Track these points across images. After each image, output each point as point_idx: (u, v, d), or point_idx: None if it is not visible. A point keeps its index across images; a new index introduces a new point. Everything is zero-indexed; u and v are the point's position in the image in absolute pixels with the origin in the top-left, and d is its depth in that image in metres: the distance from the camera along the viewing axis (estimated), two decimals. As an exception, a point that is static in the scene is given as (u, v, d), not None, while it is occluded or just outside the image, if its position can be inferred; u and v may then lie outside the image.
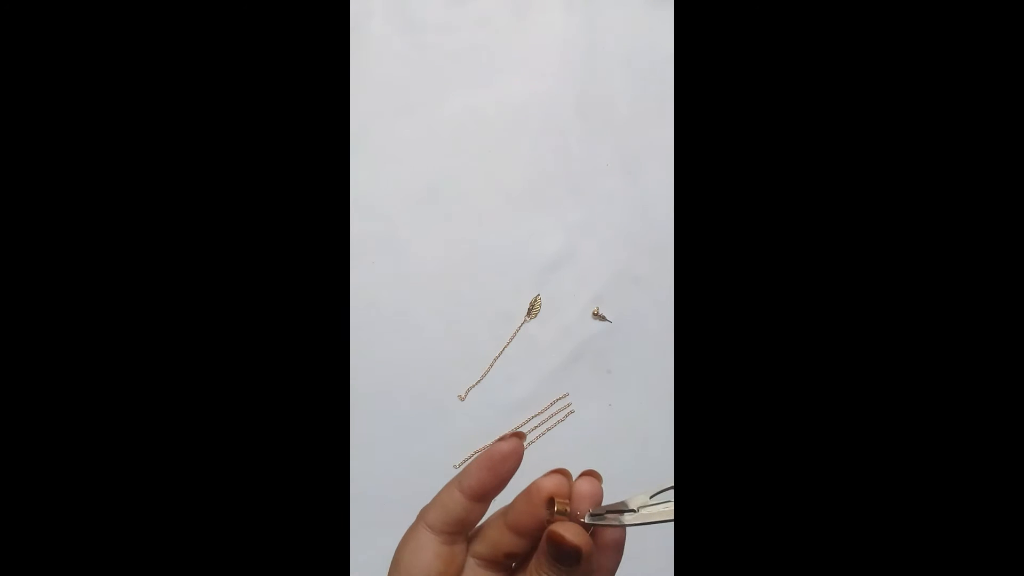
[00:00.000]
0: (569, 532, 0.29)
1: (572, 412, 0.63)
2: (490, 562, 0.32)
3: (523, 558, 0.32)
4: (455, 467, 0.62)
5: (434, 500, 0.32)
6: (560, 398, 0.64)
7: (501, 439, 0.31)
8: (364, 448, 0.60)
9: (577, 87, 0.72)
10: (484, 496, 0.31)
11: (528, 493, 0.31)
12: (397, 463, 0.61)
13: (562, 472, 0.32)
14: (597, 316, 0.65)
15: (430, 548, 0.31)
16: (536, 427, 0.64)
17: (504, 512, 0.32)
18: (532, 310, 0.66)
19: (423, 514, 0.32)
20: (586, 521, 0.31)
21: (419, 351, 0.64)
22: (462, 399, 0.64)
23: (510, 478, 0.31)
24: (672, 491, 0.32)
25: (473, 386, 0.64)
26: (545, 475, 0.31)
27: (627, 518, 0.32)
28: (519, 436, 0.32)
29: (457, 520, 0.31)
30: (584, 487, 0.31)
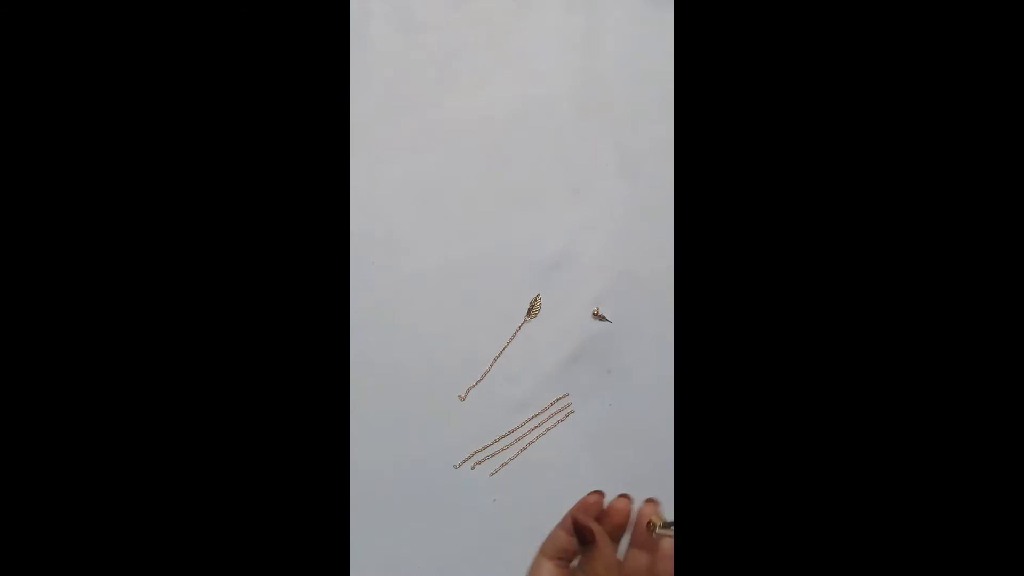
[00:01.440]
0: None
1: (572, 412, 0.63)
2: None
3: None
4: (455, 467, 0.62)
5: (549, 536, 0.50)
6: (560, 398, 0.64)
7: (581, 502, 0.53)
8: (364, 448, 0.60)
9: (577, 87, 0.72)
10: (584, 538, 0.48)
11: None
12: (397, 463, 0.61)
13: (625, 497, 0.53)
14: (597, 316, 0.65)
15: (545, 569, 0.48)
16: (536, 427, 0.64)
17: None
18: (532, 310, 0.66)
19: (541, 549, 0.50)
20: (659, 531, 0.45)
21: (419, 351, 0.64)
22: (462, 399, 0.64)
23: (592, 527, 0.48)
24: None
25: (473, 386, 0.64)
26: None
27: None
28: (599, 495, 0.54)
29: (564, 549, 0.48)
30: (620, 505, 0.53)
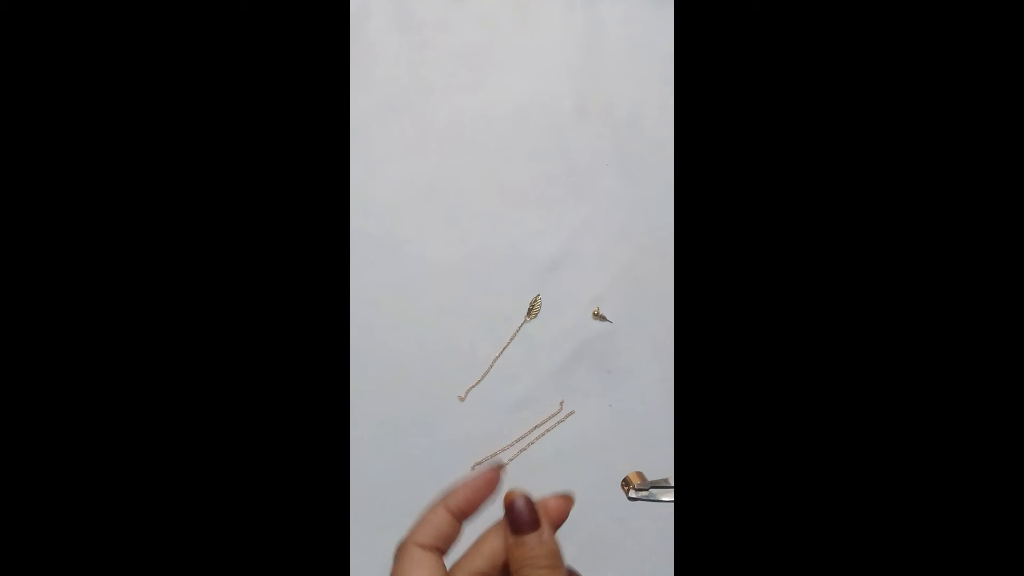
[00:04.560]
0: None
1: (572, 412, 0.63)
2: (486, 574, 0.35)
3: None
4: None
5: (422, 521, 0.35)
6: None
7: (483, 467, 0.35)
8: (364, 448, 0.60)
9: (577, 87, 0.72)
10: (465, 515, 0.35)
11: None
12: (397, 464, 0.61)
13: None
14: (597, 316, 0.65)
15: (425, 563, 0.34)
16: (536, 427, 0.64)
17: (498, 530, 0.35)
18: (532, 310, 0.66)
19: (412, 536, 0.35)
20: (631, 496, 0.38)
21: (419, 351, 0.64)
22: (462, 399, 0.64)
23: (488, 500, 0.36)
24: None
25: (473, 386, 0.64)
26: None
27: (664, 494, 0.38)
28: (499, 467, 0.36)
29: (444, 536, 0.35)
30: (551, 504, 0.35)
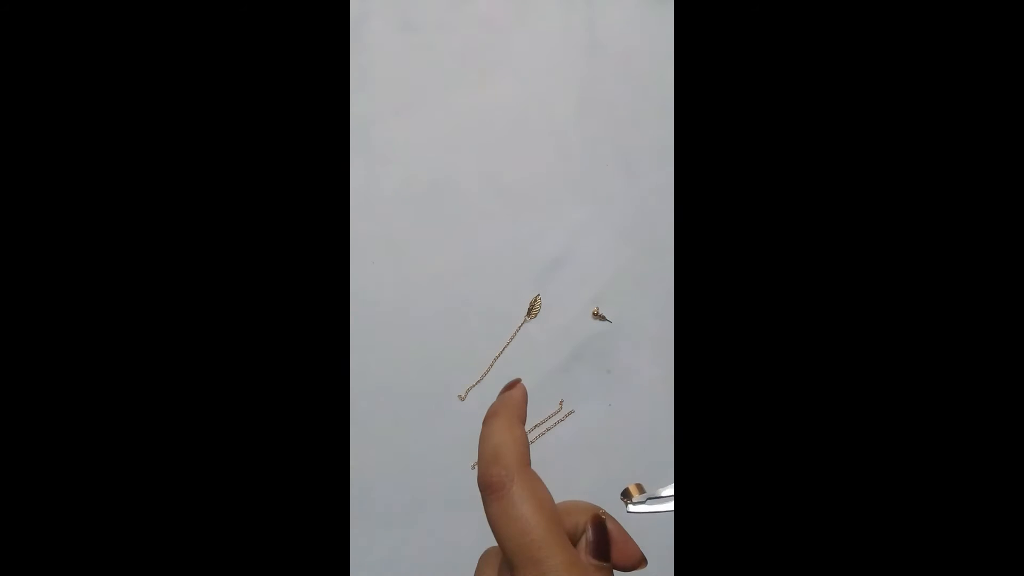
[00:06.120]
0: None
1: (572, 412, 0.63)
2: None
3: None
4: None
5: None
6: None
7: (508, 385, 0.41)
8: (364, 448, 0.60)
9: (577, 87, 0.72)
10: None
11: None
12: (397, 463, 0.61)
13: None
14: (597, 316, 0.65)
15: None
16: (535, 426, 0.64)
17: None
18: (532, 310, 0.66)
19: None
20: (630, 509, 0.40)
21: (419, 351, 0.64)
22: (462, 399, 0.64)
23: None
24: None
25: (473, 386, 0.64)
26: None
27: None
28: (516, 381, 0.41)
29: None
30: None
